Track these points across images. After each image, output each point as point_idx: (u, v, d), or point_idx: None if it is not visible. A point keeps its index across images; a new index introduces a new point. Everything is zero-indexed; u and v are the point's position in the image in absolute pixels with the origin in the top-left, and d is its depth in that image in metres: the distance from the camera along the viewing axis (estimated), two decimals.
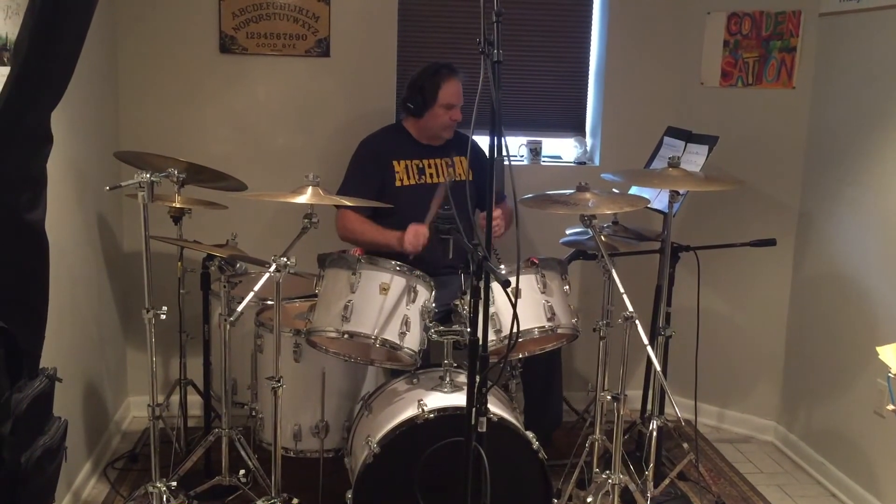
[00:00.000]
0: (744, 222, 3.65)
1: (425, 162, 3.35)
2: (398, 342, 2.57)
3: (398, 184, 3.29)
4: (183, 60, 3.62)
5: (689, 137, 3.39)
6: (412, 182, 3.31)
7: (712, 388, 3.84)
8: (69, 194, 2.90)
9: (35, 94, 1.91)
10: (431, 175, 3.34)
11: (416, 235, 3.04)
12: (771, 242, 3.32)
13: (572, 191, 2.74)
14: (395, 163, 3.30)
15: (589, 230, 2.65)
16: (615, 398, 2.71)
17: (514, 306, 1.95)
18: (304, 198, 2.58)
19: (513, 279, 1.99)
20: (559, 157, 4.08)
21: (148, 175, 2.41)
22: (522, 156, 3.96)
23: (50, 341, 2.25)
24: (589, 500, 2.76)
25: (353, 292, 2.57)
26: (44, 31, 1.85)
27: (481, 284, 2.00)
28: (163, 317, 2.54)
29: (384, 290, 2.59)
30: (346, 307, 2.56)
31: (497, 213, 3.13)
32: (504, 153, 1.93)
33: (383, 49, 3.72)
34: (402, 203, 3.20)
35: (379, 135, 3.42)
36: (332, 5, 3.64)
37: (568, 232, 3.33)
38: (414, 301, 2.62)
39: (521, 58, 3.86)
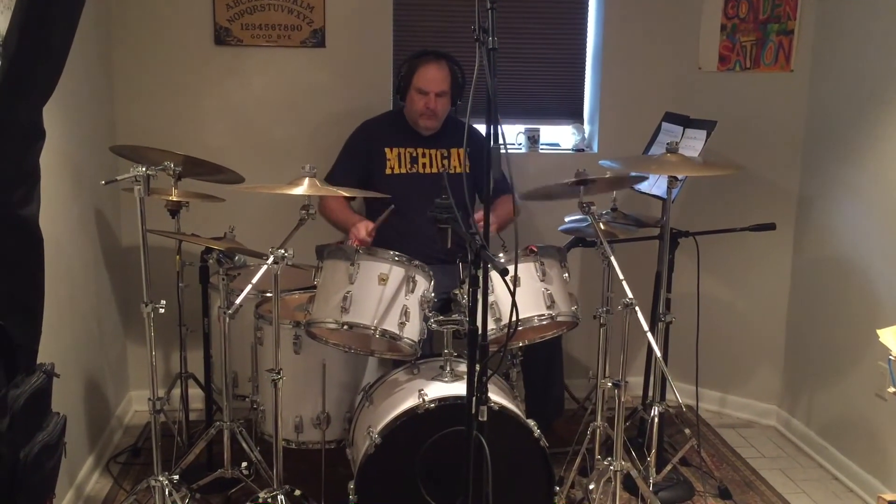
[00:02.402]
0: (743, 207, 3.64)
1: (419, 151, 3.33)
2: (398, 332, 2.57)
3: (388, 171, 3.29)
4: (178, 53, 3.61)
5: (687, 123, 3.38)
6: (403, 171, 3.30)
7: (713, 374, 3.84)
8: (65, 189, 2.89)
9: (25, 89, 1.89)
10: (424, 165, 3.32)
11: (362, 228, 3.03)
12: (770, 227, 3.31)
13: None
14: (387, 150, 3.30)
15: (587, 217, 2.64)
16: (616, 385, 2.70)
17: (512, 294, 1.95)
18: (302, 189, 2.57)
19: (511, 267, 1.98)
20: (557, 145, 4.07)
21: (144, 169, 2.40)
22: (520, 144, 3.95)
23: (49, 337, 2.25)
24: (591, 486, 2.76)
25: (352, 283, 2.56)
26: (32, 24, 1.84)
27: (479, 273, 1.99)
28: (161, 311, 2.54)
29: (383, 280, 2.58)
30: (345, 298, 2.55)
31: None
32: (501, 141, 1.91)
33: (379, 38, 3.71)
34: (393, 191, 3.18)
35: (376, 120, 3.43)
36: None
37: (567, 219, 3.32)
38: (413, 291, 2.61)
39: (517, 45, 3.85)
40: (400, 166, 3.30)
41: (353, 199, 3.38)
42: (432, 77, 3.20)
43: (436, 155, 3.34)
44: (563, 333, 2.86)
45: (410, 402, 2.51)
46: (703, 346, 3.43)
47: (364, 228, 3.02)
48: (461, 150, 3.35)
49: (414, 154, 3.32)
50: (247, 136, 3.71)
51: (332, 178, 3.27)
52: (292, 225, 2.59)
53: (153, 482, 2.63)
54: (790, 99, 3.58)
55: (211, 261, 2.86)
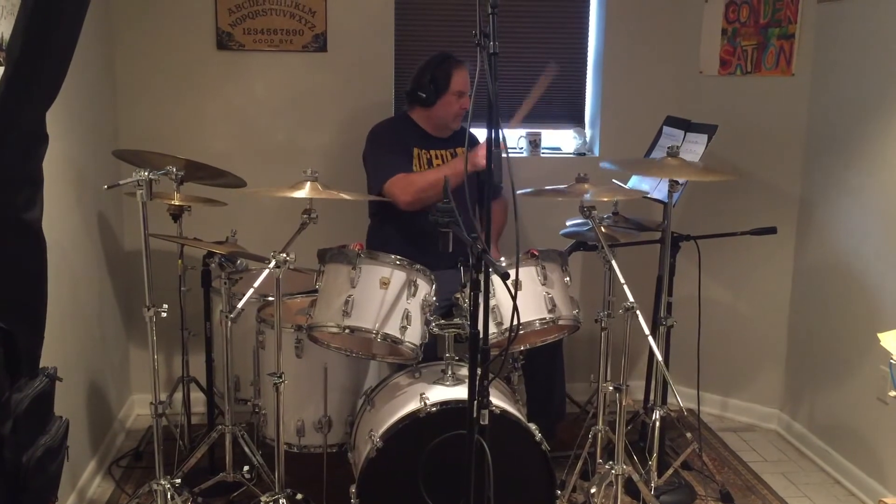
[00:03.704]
0: (744, 211, 3.64)
1: (433, 153, 3.35)
2: (399, 336, 2.57)
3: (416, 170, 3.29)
4: (180, 57, 3.62)
5: (688, 126, 3.39)
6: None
7: (715, 378, 3.84)
8: (68, 194, 2.90)
9: (29, 94, 1.90)
10: (439, 167, 3.33)
11: (480, 150, 2.98)
12: (771, 230, 3.31)
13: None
14: (414, 149, 3.31)
15: (589, 221, 2.64)
16: (617, 389, 2.70)
17: (513, 298, 1.95)
18: (303, 193, 2.58)
19: (512, 271, 1.99)
20: (559, 149, 4.07)
21: (146, 173, 2.41)
22: (522, 148, 3.96)
23: (52, 341, 2.25)
24: (593, 490, 2.76)
25: (354, 287, 2.57)
26: (36, 29, 1.85)
27: (481, 277, 1.99)
28: (164, 314, 2.55)
29: (384, 284, 2.58)
30: (346, 302, 2.55)
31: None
32: (502, 145, 1.92)
33: (381, 43, 3.72)
34: None
35: (391, 122, 3.43)
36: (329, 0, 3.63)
37: (568, 223, 3.33)
38: (414, 295, 2.62)
39: (519, 50, 3.86)
40: (420, 167, 3.31)
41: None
42: (466, 79, 3.26)
43: (447, 156, 3.36)
44: (564, 337, 2.87)
45: (412, 405, 2.51)
46: (704, 349, 3.43)
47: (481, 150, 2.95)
48: (462, 149, 3.37)
49: (429, 156, 3.33)
50: (249, 141, 3.71)
51: (388, 172, 3.14)
52: (294, 229, 2.60)
53: (155, 486, 2.63)
54: (791, 103, 3.59)
55: (213, 265, 2.87)
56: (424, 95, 3.27)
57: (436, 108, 3.29)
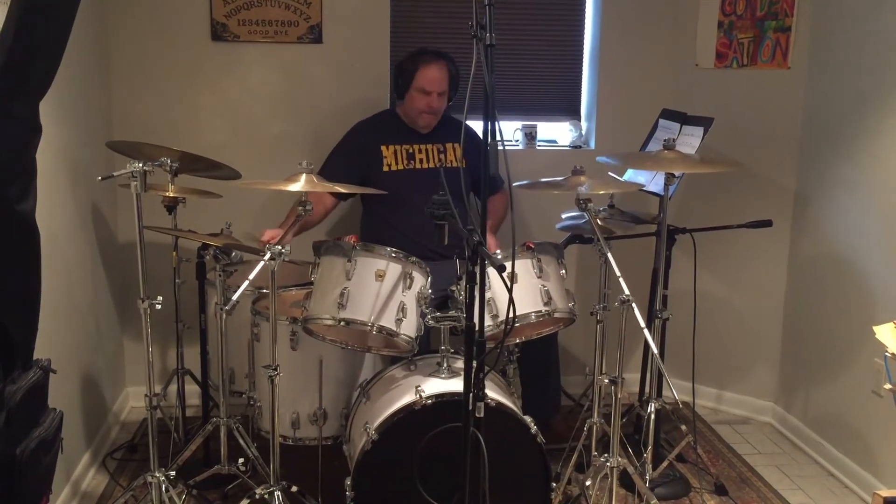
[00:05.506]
0: (740, 204, 3.65)
1: (415, 147, 3.34)
2: (395, 329, 2.57)
3: (385, 168, 3.30)
4: (175, 49, 3.60)
5: (684, 119, 3.38)
6: (400, 167, 3.31)
7: (710, 370, 3.85)
8: (62, 185, 2.89)
9: (22, 84, 1.89)
10: (421, 160, 3.34)
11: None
12: (767, 224, 3.32)
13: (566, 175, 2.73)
14: (383, 147, 3.31)
15: (585, 214, 2.64)
16: (613, 381, 2.70)
17: (509, 291, 1.95)
18: (298, 185, 2.57)
19: (508, 264, 1.98)
20: (554, 141, 4.07)
21: (140, 164, 2.40)
22: (517, 140, 3.95)
23: (46, 333, 2.24)
24: (588, 483, 2.76)
25: (349, 279, 2.56)
26: (29, 18, 1.84)
27: (477, 270, 1.99)
28: (158, 307, 2.54)
29: (380, 276, 2.58)
30: (342, 294, 2.55)
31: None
32: (498, 138, 1.92)
33: (376, 35, 3.70)
34: (390, 188, 3.18)
35: (370, 120, 3.44)
36: None
37: (564, 216, 3.32)
38: (410, 287, 2.61)
39: (515, 42, 3.85)
40: (397, 163, 3.31)
41: (347, 197, 3.36)
42: (434, 77, 3.23)
43: (432, 150, 3.36)
44: (559, 330, 2.87)
45: (407, 398, 2.51)
46: (699, 342, 3.44)
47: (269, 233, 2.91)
48: (457, 145, 3.37)
49: (410, 150, 3.33)
50: (244, 132, 3.70)
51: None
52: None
53: (150, 478, 2.63)
54: (787, 96, 3.59)
55: (208, 257, 2.86)
56: (394, 87, 3.32)
57: (405, 102, 3.32)
